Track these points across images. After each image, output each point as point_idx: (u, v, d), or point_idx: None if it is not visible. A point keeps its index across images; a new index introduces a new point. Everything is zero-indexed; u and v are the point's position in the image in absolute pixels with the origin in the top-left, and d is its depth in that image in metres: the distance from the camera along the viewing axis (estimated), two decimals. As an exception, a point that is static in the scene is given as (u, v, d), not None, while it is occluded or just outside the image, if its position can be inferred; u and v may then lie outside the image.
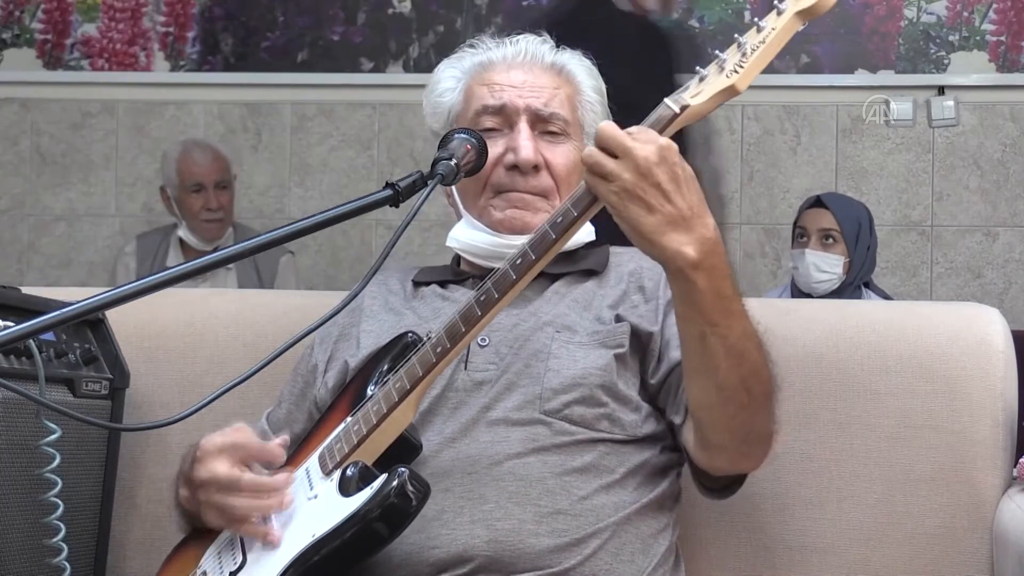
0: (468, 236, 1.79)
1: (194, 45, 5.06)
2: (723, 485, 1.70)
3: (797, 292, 4.05)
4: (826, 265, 3.91)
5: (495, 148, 1.74)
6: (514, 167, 1.76)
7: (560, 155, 1.78)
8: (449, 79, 1.85)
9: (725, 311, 1.50)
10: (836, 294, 3.93)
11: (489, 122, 1.78)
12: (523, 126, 1.77)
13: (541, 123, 1.78)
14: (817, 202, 3.99)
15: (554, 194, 1.77)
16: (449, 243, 1.82)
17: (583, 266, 1.79)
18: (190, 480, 1.63)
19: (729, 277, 1.50)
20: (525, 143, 1.75)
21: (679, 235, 1.44)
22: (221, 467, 1.58)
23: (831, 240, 3.92)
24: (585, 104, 1.83)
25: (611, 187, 1.44)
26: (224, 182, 4.42)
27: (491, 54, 1.83)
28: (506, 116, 1.78)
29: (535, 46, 1.83)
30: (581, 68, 1.85)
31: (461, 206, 1.82)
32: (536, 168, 1.76)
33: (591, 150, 1.46)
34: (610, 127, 1.46)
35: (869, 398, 1.89)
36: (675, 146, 1.46)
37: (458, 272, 1.85)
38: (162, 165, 4.53)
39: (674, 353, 1.68)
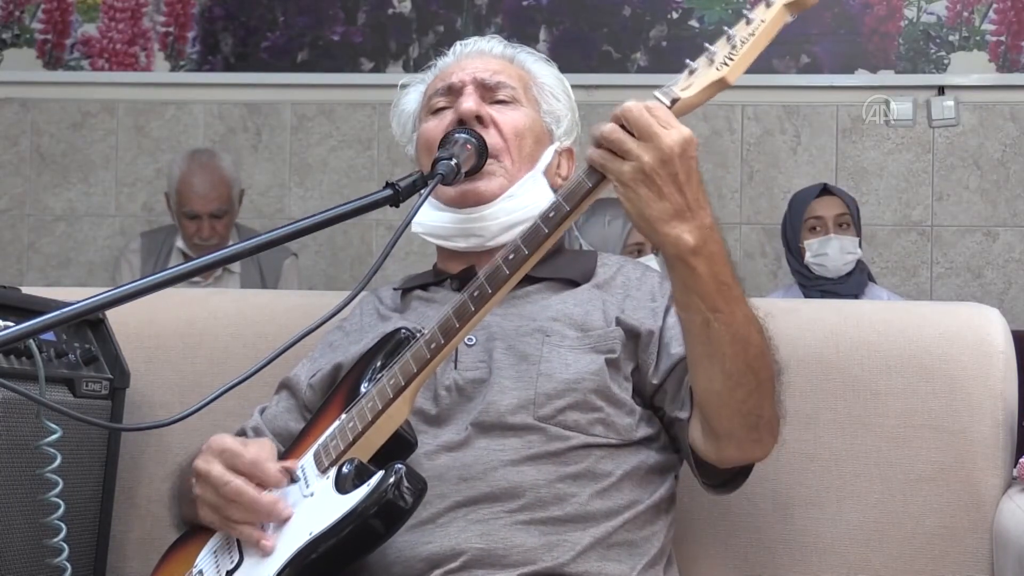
0: (430, 218, 1.77)
1: (194, 45, 5.06)
2: (726, 479, 1.70)
3: (812, 289, 4.05)
4: (851, 246, 4.09)
5: (443, 121, 1.77)
6: (460, 124, 1.76)
7: (508, 116, 1.78)
8: (412, 91, 1.90)
9: (726, 297, 1.52)
10: (850, 276, 4.09)
11: (441, 102, 1.81)
12: (468, 90, 1.79)
13: (489, 92, 1.80)
14: (824, 191, 4.17)
15: (505, 154, 1.77)
16: (414, 228, 1.77)
17: (567, 274, 1.78)
18: (192, 469, 1.63)
19: (728, 264, 1.52)
20: (467, 98, 1.77)
21: (681, 224, 1.47)
22: (215, 467, 1.58)
23: (844, 224, 4.10)
24: (541, 87, 1.85)
25: (625, 166, 1.45)
26: (221, 211, 4.33)
27: (446, 59, 1.88)
28: (455, 93, 1.80)
29: (486, 42, 1.87)
30: (535, 59, 1.89)
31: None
32: (481, 121, 1.75)
33: (613, 126, 1.46)
34: (636, 107, 1.46)
35: (869, 398, 1.89)
36: (696, 140, 1.47)
37: (438, 272, 1.85)
38: (167, 172, 4.50)
39: (675, 350, 1.68)
